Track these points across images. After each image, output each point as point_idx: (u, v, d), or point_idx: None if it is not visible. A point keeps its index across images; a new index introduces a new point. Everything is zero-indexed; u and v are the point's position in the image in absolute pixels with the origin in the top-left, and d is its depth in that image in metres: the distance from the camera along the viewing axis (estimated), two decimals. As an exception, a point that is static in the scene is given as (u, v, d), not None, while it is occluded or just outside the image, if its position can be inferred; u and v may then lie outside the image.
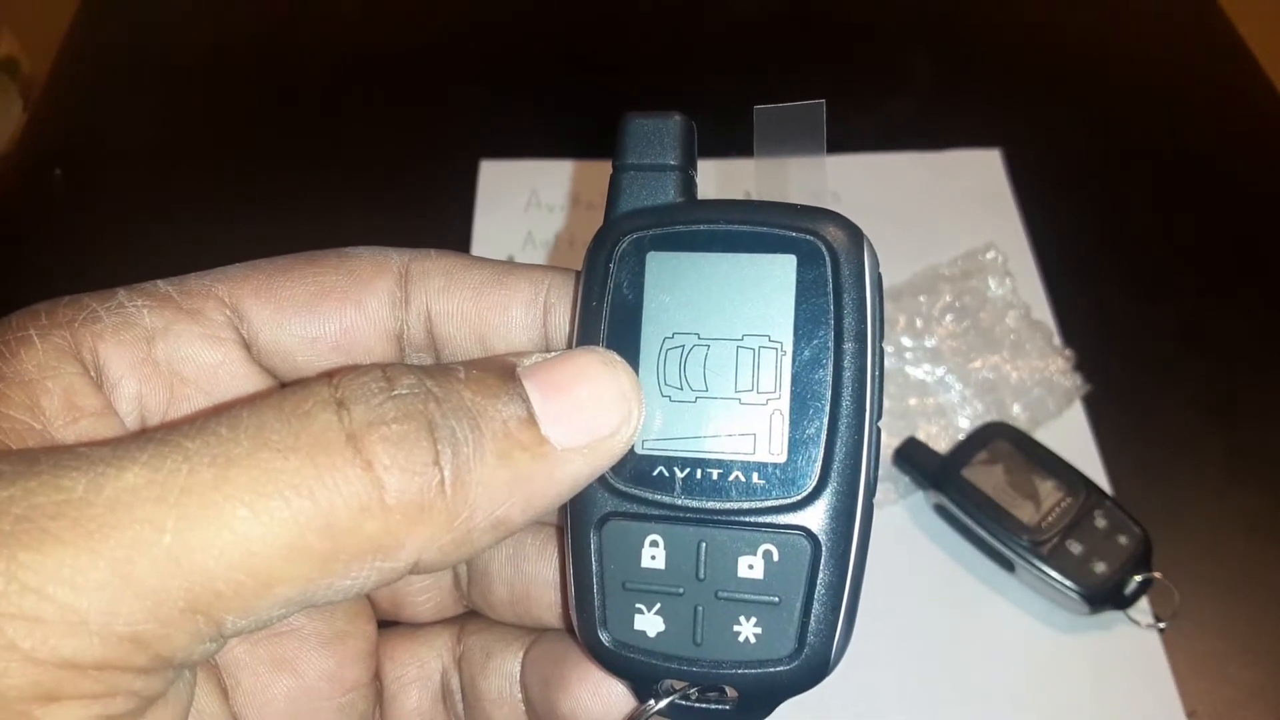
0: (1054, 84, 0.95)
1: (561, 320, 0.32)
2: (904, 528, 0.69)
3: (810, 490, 0.28)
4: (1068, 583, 0.62)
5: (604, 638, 0.30)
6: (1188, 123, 0.91)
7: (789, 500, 0.28)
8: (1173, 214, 0.85)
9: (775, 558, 0.29)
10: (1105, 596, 0.62)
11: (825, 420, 0.28)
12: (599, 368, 0.28)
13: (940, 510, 0.68)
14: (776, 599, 0.29)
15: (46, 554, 0.21)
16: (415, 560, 0.25)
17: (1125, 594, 0.63)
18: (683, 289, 0.29)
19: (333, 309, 0.31)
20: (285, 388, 0.28)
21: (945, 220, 0.83)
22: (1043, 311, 0.78)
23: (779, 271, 0.29)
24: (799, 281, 0.29)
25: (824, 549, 0.28)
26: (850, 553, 0.29)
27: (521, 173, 0.87)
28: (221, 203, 0.87)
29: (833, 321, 0.28)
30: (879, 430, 0.29)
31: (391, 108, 0.94)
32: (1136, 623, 0.64)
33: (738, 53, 0.97)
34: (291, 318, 0.31)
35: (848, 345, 0.28)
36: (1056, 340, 0.76)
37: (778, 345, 0.29)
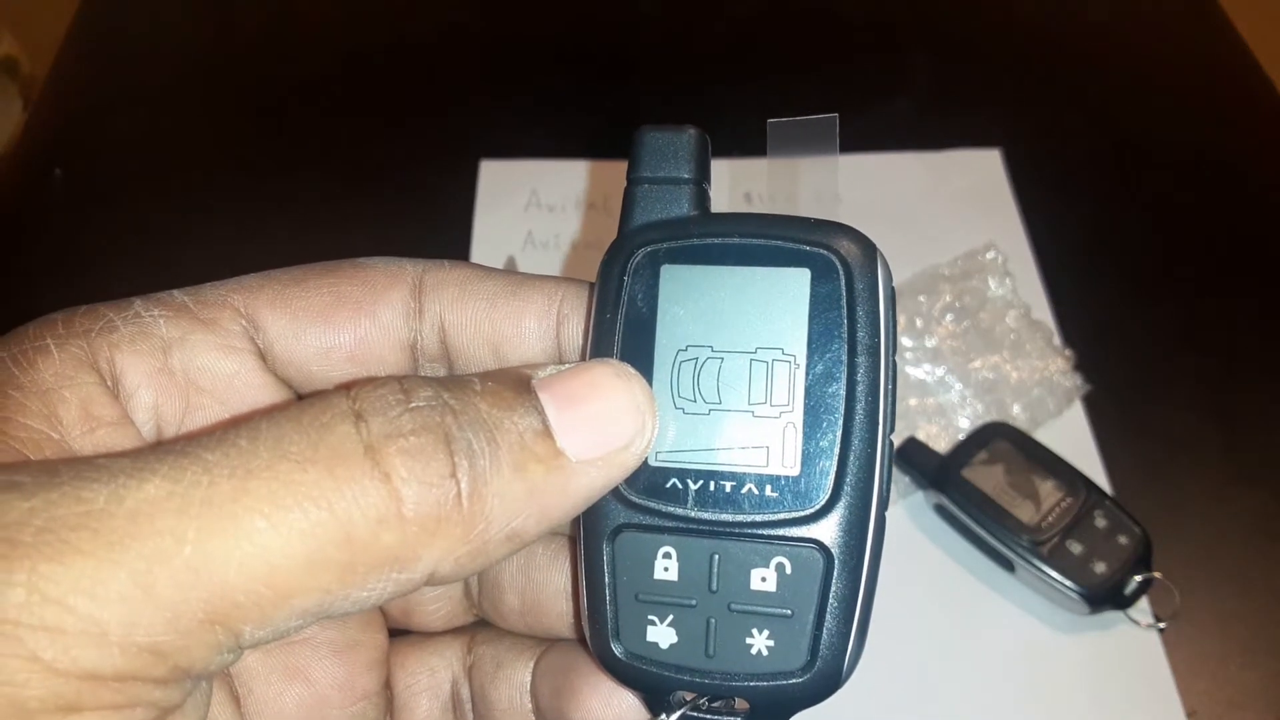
0: (1054, 84, 0.95)
1: (575, 332, 0.32)
2: (904, 528, 0.69)
3: (823, 503, 0.28)
4: (1068, 583, 0.62)
5: (616, 649, 0.30)
6: (1187, 122, 0.91)
7: (802, 513, 0.28)
8: (1172, 214, 0.85)
9: (788, 570, 0.29)
10: (1105, 596, 0.62)
11: (838, 434, 0.28)
12: (613, 380, 0.28)
13: (940, 510, 0.68)
14: (789, 612, 0.29)
15: (68, 565, 0.21)
16: (431, 572, 0.25)
17: (1125, 594, 0.63)
18: (697, 302, 0.30)
19: (347, 319, 0.31)
20: (303, 399, 0.28)
21: (945, 220, 0.83)
22: (1043, 311, 0.78)
23: (793, 285, 0.29)
24: (813, 295, 0.29)
25: (837, 562, 0.28)
26: (863, 566, 0.29)
27: (521, 173, 0.87)
28: (221, 202, 0.87)
29: (846, 335, 0.28)
30: (891, 443, 0.29)
31: (392, 108, 0.94)
32: (1136, 623, 0.64)
33: (737, 52, 0.97)
34: (307, 328, 0.31)
35: (861, 359, 0.28)
36: (1056, 340, 0.76)
37: (791, 358, 0.29)
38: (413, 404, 0.25)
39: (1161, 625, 0.64)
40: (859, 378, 0.28)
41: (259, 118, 0.94)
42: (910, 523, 0.69)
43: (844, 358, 0.28)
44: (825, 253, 0.29)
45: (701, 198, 0.31)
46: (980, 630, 0.65)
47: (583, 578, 0.31)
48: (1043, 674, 0.63)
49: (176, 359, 0.30)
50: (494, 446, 0.25)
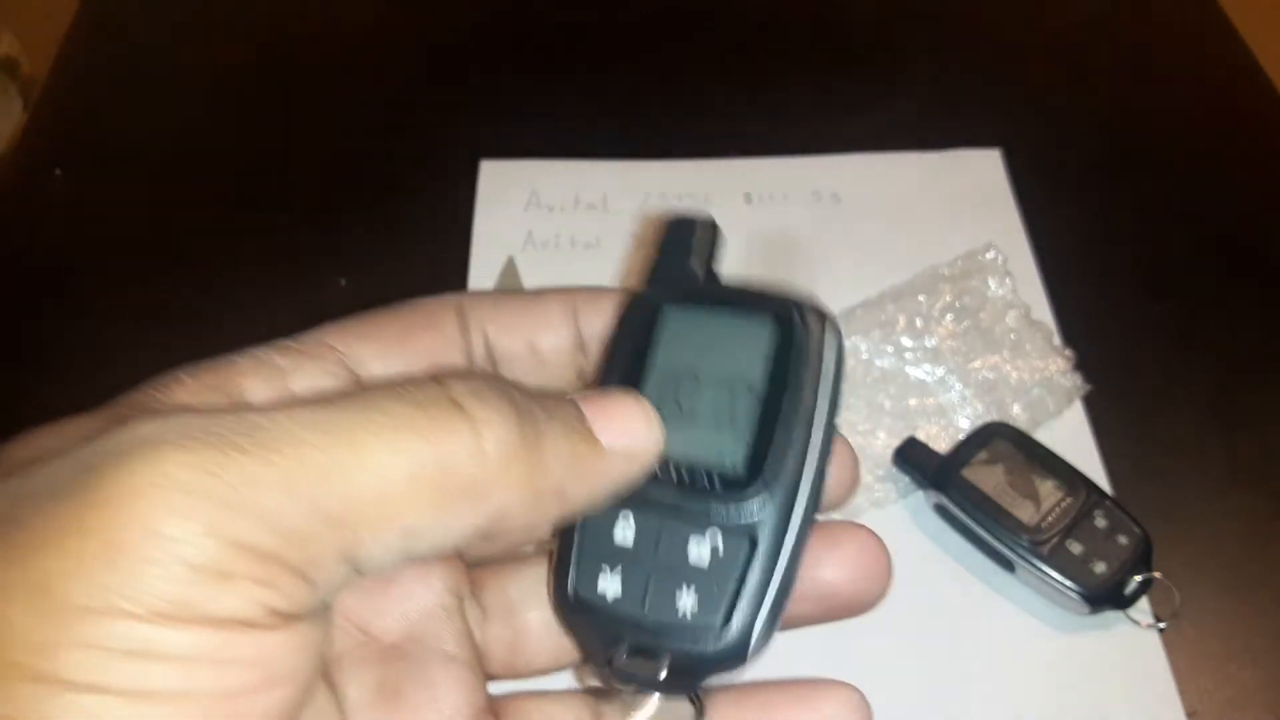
0: (1054, 84, 0.95)
1: (590, 325, 0.38)
2: (904, 528, 0.69)
3: (758, 496, 0.34)
4: (1068, 583, 0.62)
5: (569, 593, 0.35)
6: (1187, 122, 0.91)
7: (738, 502, 0.34)
8: (1172, 214, 0.85)
9: (720, 550, 0.34)
10: (1105, 596, 0.62)
11: (780, 443, 0.34)
12: (631, 400, 0.34)
13: (940, 510, 0.68)
14: (713, 584, 0.34)
15: (230, 456, 0.25)
16: (500, 509, 0.29)
17: (1125, 594, 0.63)
18: (687, 340, 0.37)
19: (421, 337, 0.37)
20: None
21: (945, 220, 0.83)
22: (1043, 311, 0.78)
23: (761, 332, 0.36)
24: (775, 341, 0.36)
25: (759, 549, 0.33)
26: (781, 555, 0.34)
27: (521, 173, 0.87)
28: (221, 201, 0.87)
29: (796, 372, 0.35)
30: (828, 452, 0.35)
31: (391, 107, 0.94)
32: (1136, 623, 0.64)
33: (738, 52, 0.97)
34: (390, 349, 0.37)
35: (806, 392, 0.35)
36: (1056, 340, 0.76)
37: (750, 386, 0.35)
38: (481, 378, 0.30)
39: (1161, 625, 0.64)
40: (801, 406, 0.34)
41: (259, 117, 0.94)
42: (910, 523, 0.69)
43: (797, 392, 0.35)
44: (790, 311, 0.36)
45: (710, 274, 0.38)
46: (980, 630, 0.65)
47: (559, 534, 0.36)
48: (1043, 674, 0.63)
49: (295, 383, 0.34)
50: (549, 415, 0.30)
